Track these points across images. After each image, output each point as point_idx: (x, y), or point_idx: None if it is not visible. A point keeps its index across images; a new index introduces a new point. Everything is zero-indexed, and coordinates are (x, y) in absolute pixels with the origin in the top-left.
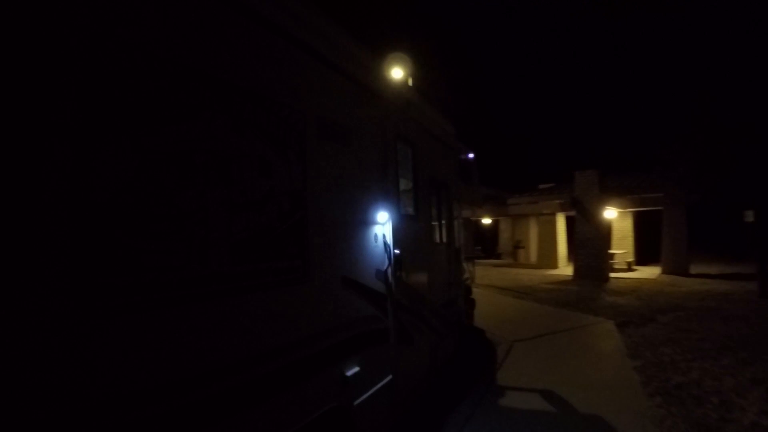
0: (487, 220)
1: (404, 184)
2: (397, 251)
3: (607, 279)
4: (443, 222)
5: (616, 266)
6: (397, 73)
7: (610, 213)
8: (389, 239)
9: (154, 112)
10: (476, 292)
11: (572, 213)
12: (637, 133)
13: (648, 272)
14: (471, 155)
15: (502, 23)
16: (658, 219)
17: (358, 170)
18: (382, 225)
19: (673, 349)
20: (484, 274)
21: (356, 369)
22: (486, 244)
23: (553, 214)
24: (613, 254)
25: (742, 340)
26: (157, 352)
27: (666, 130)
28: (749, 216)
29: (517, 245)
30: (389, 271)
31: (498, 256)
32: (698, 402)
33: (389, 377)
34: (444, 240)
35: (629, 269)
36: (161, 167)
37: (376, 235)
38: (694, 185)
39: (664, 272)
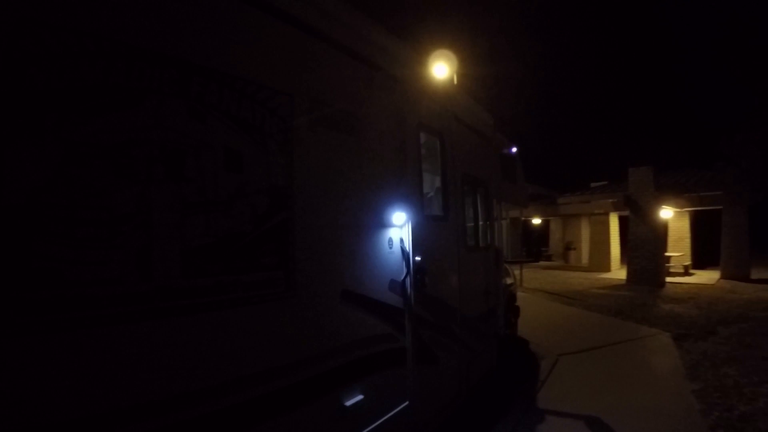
0: (536, 221)
1: (430, 181)
2: (417, 258)
3: (663, 284)
4: (480, 223)
5: (672, 270)
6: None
7: (666, 213)
8: (408, 244)
9: (83, 97)
10: (523, 297)
11: (626, 213)
12: (696, 126)
13: (706, 277)
14: (514, 149)
15: (548, 12)
16: (716, 219)
17: (369, 164)
18: (399, 228)
19: (737, 370)
20: (532, 277)
21: (359, 397)
22: (534, 245)
23: (606, 214)
24: (669, 257)
25: None
26: (77, 380)
27: (727, 122)
28: None
29: (568, 247)
30: (407, 281)
31: (548, 258)
32: None
33: (405, 404)
34: (481, 243)
35: (686, 273)
36: (89, 162)
37: (390, 240)
38: (758, 182)
39: (723, 277)
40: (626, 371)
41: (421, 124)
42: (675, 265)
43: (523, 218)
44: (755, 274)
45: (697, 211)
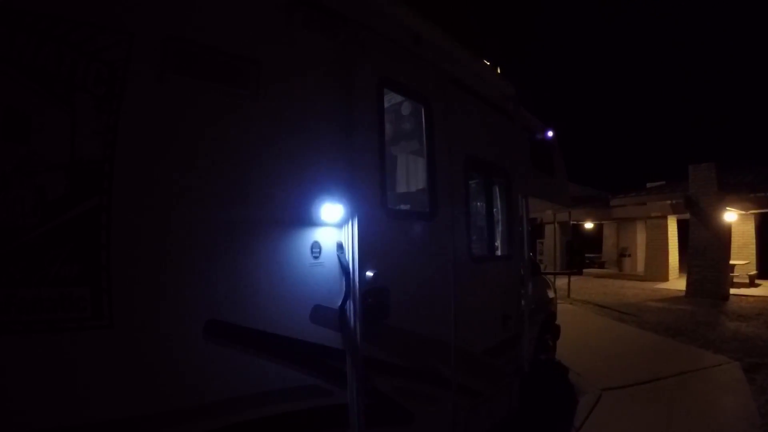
0: (588, 225)
1: (410, 164)
2: (369, 273)
3: (727, 296)
4: (498, 226)
5: (736, 280)
6: None
7: (731, 216)
8: (350, 253)
9: None
10: (568, 311)
11: (685, 216)
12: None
13: None
14: (549, 134)
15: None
16: None
17: (276, 131)
18: (336, 228)
19: None
20: (582, 287)
21: None
22: (577, 253)
23: (664, 217)
24: (733, 266)
25: None
26: None
27: None
28: None
29: (622, 253)
30: (348, 308)
31: (601, 265)
32: None
33: None
34: (499, 252)
35: (751, 284)
36: None
37: (316, 246)
38: None
39: None
40: (684, 416)
41: (386, 80)
42: (739, 275)
43: (573, 222)
44: None
45: (764, 213)
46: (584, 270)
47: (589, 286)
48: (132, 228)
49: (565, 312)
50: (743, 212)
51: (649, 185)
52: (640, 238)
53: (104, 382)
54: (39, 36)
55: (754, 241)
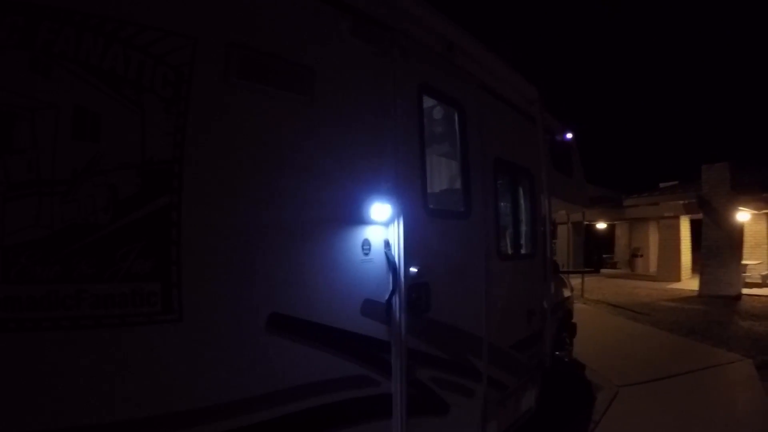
0: (601, 225)
1: (444, 166)
2: (413, 269)
3: (739, 296)
4: (522, 224)
5: (748, 280)
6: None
7: (743, 215)
8: (397, 250)
9: None
10: (583, 311)
11: (698, 216)
12: None
13: None
14: (569, 136)
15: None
16: None
17: (330, 135)
18: (384, 226)
19: None
20: (595, 287)
21: None
22: (594, 252)
23: (677, 217)
24: (746, 265)
25: None
26: None
27: None
28: None
29: (635, 253)
30: (394, 302)
31: (613, 266)
32: None
33: None
34: (523, 250)
35: (764, 284)
36: None
37: (367, 243)
38: None
39: None
40: (699, 412)
41: (426, 86)
42: (752, 275)
43: (585, 222)
44: None
45: None
46: (593, 273)
47: (602, 286)
48: (200, 226)
49: (579, 311)
50: (756, 212)
51: (662, 185)
52: (653, 238)
53: (174, 374)
54: (105, 38)
55: (766, 241)
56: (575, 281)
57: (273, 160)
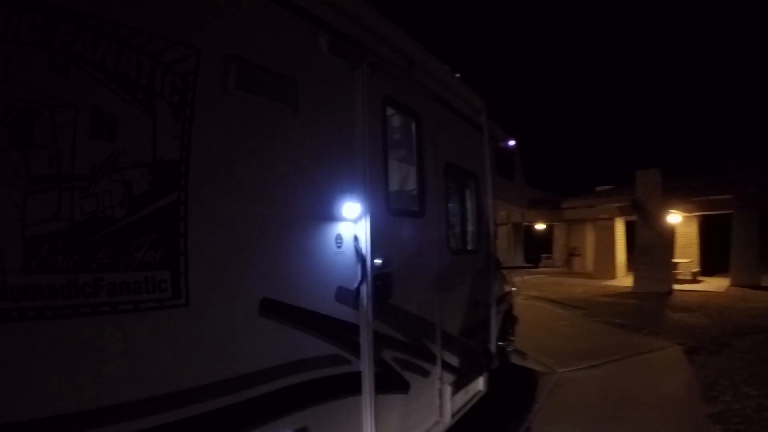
0: (540, 226)
1: (402, 170)
2: (378, 261)
3: (671, 291)
4: (469, 224)
5: (679, 277)
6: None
7: (674, 218)
8: (364, 244)
9: None
10: (524, 306)
11: (632, 218)
12: (707, 125)
13: (715, 284)
14: (511, 143)
15: (553, 12)
16: (725, 224)
17: (311, 141)
18: (353, 223)
19: (758, 389)
20: (535, 284)
21: None
22: (533, 250)
23: (612, 219)
24: (677, 264)
25: None
26: None
27: (742, 118)
28: None
29: (572, 253)
30: (362, 289)
31: (552, 265)
32: None
33: None
34: (470, 246)
35: (693, 281)
36: None
37: (339, 238)
38: None
39: (732, 284)
40: (635, 391)
41: (388, 98)
42: (683, 272)
43: (525, 223)
44: (766, 282)
45: (705, 215)
46: (536, 269)
47: (541, 283)
48: (203, 220)
49: (521, 306)
50: (686, 214)
51: (598, 189)
52: (589, 238)
53: (182, 354)
54: (119, 43)
55: (696, 241)
56: (516, 279)
57: (262, 162)
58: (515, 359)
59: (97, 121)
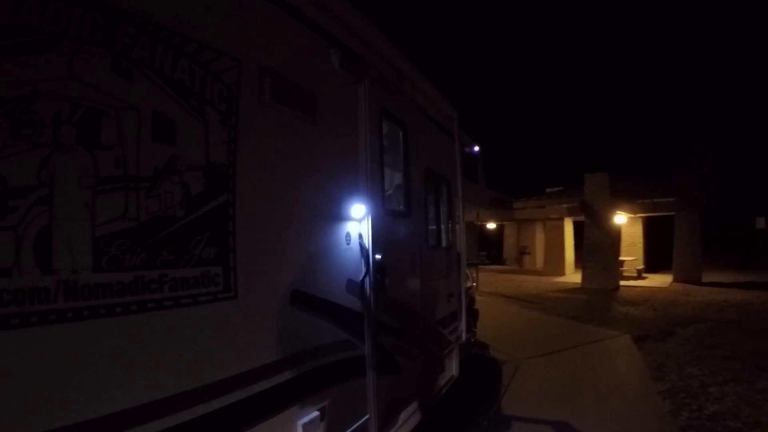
0: (491, 225)
1: (390, 175)
2: (378, 256)
3: (617, 287)
4: (442, 223)
5: (625, 274)
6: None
7: (620, 218)
8: (367, 241)
9: None
10: (481, 301)
11: (580, 218)
12: (655, 133)
13: (659, 280)
14: (476, 149)
15: (506, 20)
16: (668, 225)
17: (325, 148)
18: (358, 222)
19: (700, 370)
20: (488, 281)
21: (314, 414)
22: (490, 249)
23: (561, 219)
24: (623, 261)
25: None
26: None
27: (687, 129)
28: (761, 222)
29: (523, 251)
30: (366, 282)
31: (502, 263)
32: None
33: (365, 417)
34: (443, 243)
35: (639, 277)
36: None
37: (348, 235)
38: (714, 188)
39: (675, 280)
40: (591, 374)
41: (384, 110)
42: (628, 269)
43: (478, 222)
44: (706, 278)
45: (649, 217)
46: (484, 267)
47: (493, 280)
48: (247, 220)
49: (478, 302)
50: (632, 215)
51: (548, 190)
52: (539, 237)
53: (232, 343)
54: (175, 51)
55: (641, 240)
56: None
57: (290, 167)
58: (478, 349)
59: (158, 125)
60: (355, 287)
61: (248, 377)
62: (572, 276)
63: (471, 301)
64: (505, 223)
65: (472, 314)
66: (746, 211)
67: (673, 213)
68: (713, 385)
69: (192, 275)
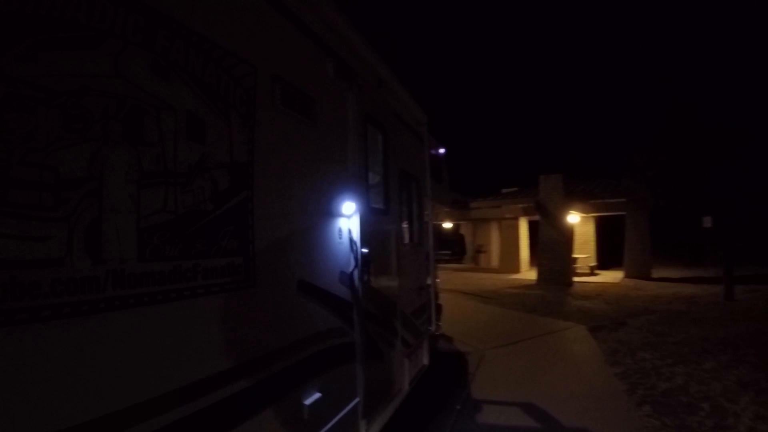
0: (448, 224)
1: (372, 175)
2: (364, 250)
3: (571, 283)
4: (414, 220)
5: (578, 270)
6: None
7: (574, 218)
8: (356, 236)
9: (31, 27)
10: (442, 297)
11: (535, 218)
12: (607, 137)
13: (610, 276)
14: (442, 151)
15: (462, 24)
16: (619, 224)
17: (322, 149)
18: (348, 218)
19: (652, 354)
20: (446, 279)
21: (317, 396)
22: (452, 247)
23: (516, 219)
24: (576, 258)
25: (720, 343)
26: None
27: (637, 134)
28: (707, 222)
29: (479, 249)
30: (356, 273)
31: (461, 261)
32: (689, 410)
33: (356, 400)
34: (415, 239)
35: (592, 273)
36: (32, 107)
37: (340, 230)
38: (662, 190)
39: (626, 276)
40: (550, 360)
41: (368, 115)
42: (581, 266)
43: (435, 222)
44: (656, 273)
45: (601, 216)
46: (441, 265)
47: (451, 278)
48: (263, 214)
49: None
50: (585, 215)
51: (504, 191)
52: (495, 236)
53: (251, 329)
54: (204, 55)
55: (594, 238)
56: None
57: (296, 167)
58: (443, 342)
59: (191, 125)
60: (345, 278)
61: (265, 360)
62: (527, 273)
63: (435, 295)
64: (460, 222)
65: (436, 309)
66: (693, 211)
67: (623, 213)
68: (664, 367)
69: (220, 265)
